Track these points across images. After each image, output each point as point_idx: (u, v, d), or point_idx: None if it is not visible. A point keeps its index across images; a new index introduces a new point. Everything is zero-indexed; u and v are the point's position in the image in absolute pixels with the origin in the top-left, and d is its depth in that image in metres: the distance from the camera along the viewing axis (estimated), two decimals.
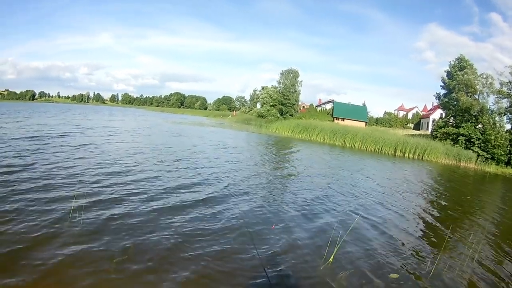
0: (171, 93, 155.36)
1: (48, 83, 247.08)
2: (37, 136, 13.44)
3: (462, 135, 26.79)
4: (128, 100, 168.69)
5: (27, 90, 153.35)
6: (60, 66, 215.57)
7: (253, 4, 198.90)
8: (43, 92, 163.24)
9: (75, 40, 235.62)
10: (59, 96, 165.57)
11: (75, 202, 5.35)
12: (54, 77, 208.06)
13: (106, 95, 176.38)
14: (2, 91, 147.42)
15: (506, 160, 24.15)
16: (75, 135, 15.65)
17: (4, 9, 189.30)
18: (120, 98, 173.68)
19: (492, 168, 23.15)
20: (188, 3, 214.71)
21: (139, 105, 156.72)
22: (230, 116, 70.84)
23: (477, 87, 28.63)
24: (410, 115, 60.48)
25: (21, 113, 32.20)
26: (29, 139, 12.51)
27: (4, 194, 5.60)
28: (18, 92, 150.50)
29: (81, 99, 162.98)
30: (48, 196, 5.81)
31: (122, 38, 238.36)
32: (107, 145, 13.22)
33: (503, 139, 24.59)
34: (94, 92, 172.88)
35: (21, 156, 9.03)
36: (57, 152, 10.27)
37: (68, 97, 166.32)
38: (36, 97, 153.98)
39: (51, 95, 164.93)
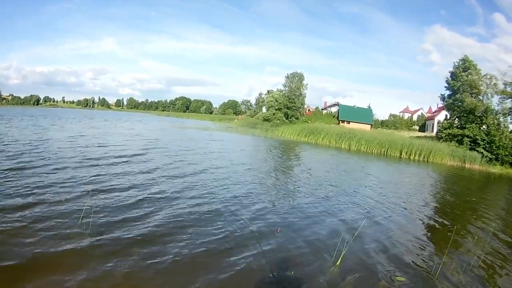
0: (176, 98, 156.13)
1: (52, 88, 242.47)
2: (101, 158, 10.74)
3: (467, 136, 27.09)
4: (134, 105, 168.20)
5: (31, 95, 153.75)
6: (65, 71, 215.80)
7: (255, 7, 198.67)
8: (48, 97, 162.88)
9: (79, 45, 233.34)
10: (64, 101, 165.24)
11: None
12: (59, 82, 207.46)
13: (111, 100, 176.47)
14: (6, 96, 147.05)
15: (511, 161, 24.38)
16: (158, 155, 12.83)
17: (7, 14, 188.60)
18: (125, 103, 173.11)
19: (496, 169, 23.46)
20: (190, 8, 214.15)
21: (144, 109, 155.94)
22: (236, 120, 71.15)
23: (481, 87, 29.00)
24: (415, 117, 60.77)
25: (41, 119, 30.29)
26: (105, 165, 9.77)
27: None
28: (22, 97, 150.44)
29: (86, 104, 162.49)
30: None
31: (126, 43, 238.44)
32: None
33: (507, 140, 24.89)
34: (99, 97, 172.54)
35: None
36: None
37: (73, 102, 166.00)
38: (40, 102, 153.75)
39: (56, 100, 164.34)
